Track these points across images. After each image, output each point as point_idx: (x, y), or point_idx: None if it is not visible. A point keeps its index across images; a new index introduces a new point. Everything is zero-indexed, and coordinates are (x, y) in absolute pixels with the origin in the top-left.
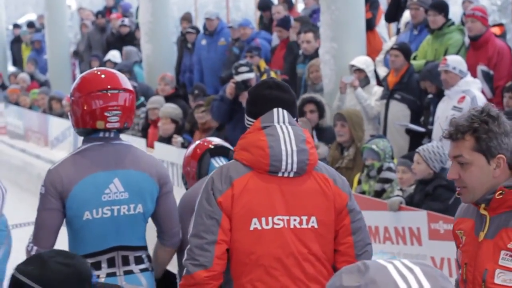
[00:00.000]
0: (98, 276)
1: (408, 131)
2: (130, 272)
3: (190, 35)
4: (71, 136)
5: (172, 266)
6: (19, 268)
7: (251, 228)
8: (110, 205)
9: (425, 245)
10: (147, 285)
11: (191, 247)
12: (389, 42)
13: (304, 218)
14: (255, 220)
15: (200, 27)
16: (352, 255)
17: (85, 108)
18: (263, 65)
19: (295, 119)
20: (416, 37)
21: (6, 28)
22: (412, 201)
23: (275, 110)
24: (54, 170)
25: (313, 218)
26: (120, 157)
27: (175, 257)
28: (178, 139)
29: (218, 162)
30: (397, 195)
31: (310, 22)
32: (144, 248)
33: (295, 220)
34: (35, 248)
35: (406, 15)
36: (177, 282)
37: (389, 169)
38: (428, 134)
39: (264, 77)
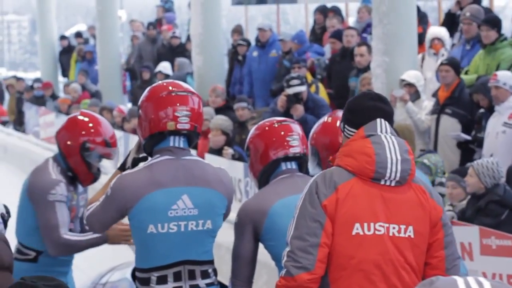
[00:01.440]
0: None
1: (460, 145)
2: (196, 286)
3: (241, 47)
4: (122, 147)
5: (223, 278)
6: None
7: (353, 233)
8: (177, 221)
9: (477, 261)
10: None
11: (293, 249)
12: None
13: (403, 227)
14: (357, 225)
15: (250, 40)
16: (442, 269)
17: (155, 111)
18: (309, 77)
19: (394, 130)
20: (468, 52)
21: (57, 38)
22: (464, 216)
23: (378, 120)
24: (125, 176)
25: (410, 228)
26: (190, 174)
27: (225, 269)
28: (229, 151)
29: (287, 166)
30: (448, 210)
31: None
32: (211, 262)
33: (394, 228)
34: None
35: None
36: None
37: (441, 184)
38: (478, 144)
39: (313, 88)
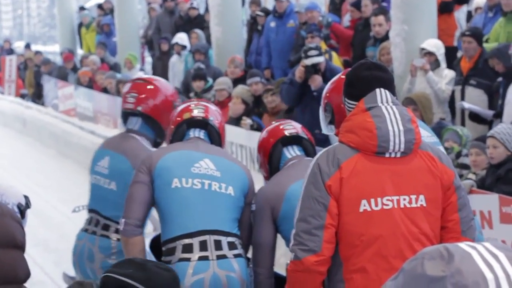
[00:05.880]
0: (189, 259)
1: (473, 118)
2: (223, 256)
3: (260, 17)
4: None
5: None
6: (117, 271)
7: (361, 210)
8: (201, 178)
9: (496, 229)
10: (239, 271)
11: (297, 232)
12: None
13: (413, 197)
14: (364, 201)
15: (270, 10)
16: (458, 231)
17: (172, 106)
18: (324, 46)
19: (395, 97)
20: (490, 19)
21: (76, 11)
22: (484, 185)
23: (377, 90)
24: (148, 151)
25: (421, 197)
26: (213, 149)
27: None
28: (247, 121)
29: (291, 153)
30: (468, 178)
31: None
32: (238, 236)
33: (404, 199)
34: (123, 220)
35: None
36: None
37: (467, 155)
38: (498, 116)
39: (326, 57)
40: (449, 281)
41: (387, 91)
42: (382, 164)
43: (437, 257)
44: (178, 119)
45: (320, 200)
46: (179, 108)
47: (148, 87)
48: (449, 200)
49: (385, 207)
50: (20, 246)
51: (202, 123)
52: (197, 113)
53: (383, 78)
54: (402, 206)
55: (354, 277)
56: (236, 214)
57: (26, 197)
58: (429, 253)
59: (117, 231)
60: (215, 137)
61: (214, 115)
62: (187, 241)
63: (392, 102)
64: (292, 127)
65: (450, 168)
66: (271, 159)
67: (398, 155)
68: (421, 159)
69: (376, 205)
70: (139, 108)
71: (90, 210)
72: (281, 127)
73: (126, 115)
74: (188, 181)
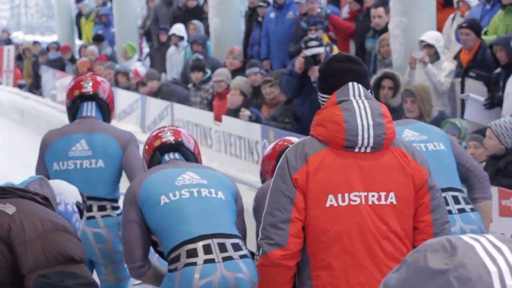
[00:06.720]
0: (195, 263)
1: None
2: (229, 258)
3: (261, 8)
4: (139, 109)
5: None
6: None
7: (327, 205)
8: (188, 188)
9: (496, 222)
10: (248, 272)
11: (264, 225)
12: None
13: (383, 194)
14: (331, 196)
15: (270, 1)
16: (430, 233)
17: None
18: (326, 39)
19: (369, 91)
20: (488, 11)
21: (74, 1)
22: None
23: (350, 84)
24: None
25: (391, 194)
26: (194, 164)
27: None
28: (246, 112)
29: None
30: None
31: None
32: (239, 237)
33: (373, 196)
34: (126, 266)
35: None
36: None
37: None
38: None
39: (327, 49)
40: (452, 274)
41: (360, 85)
42: (351, 158)
43: (439, 250)
44: (150, 148)
45: (286, 193)
46: (149, 138)
47: (97, 78)
48: (421, 200)
49: (352, 203)
50: (77, 260)
51: (175, 146)
52: (167, 137)
53: (354, 70)
54: (370, 202)
55: (321, 274)
56: (232, 216)
57: (82, 194)
58: (431, 245)
59: (113, 208)
60: (191, 158)
61: (185, 136)
62: (190, 246)
63: (364, 96)
64: (296, 140)
65: (423, 166)
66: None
67: (368, 150)
68: (392, 156)
69: (343, 201)
70: (97, 92)
71: None
72: (285, 140)
73: (82, 99)
74: (175, 194)
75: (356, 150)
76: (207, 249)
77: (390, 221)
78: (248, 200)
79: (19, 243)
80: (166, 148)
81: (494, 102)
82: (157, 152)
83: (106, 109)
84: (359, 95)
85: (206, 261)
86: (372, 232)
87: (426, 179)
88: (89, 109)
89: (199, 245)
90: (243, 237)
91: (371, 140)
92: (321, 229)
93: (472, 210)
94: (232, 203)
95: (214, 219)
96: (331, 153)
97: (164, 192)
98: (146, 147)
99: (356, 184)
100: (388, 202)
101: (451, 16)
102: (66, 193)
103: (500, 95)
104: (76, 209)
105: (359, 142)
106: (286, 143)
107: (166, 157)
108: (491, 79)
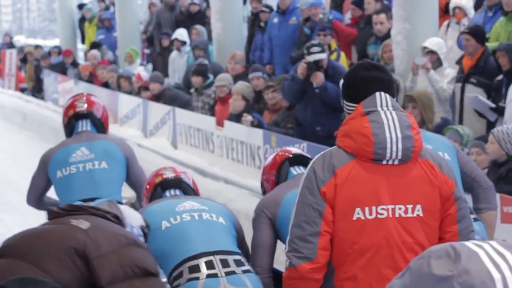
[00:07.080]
0: (198, 278)
1: (481, 115)
2: (232, 272)
3: (263, 14)
4: (141, 114)
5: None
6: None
7: (354, 218)
8: (189, 212)
9: (498, 229)
10: (252, 286)
11: (292, 238)
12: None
13: (410, 206)
14: (358, 209)
15: (273, 6)
16: None
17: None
18: (334, 44)
19: (394, 99)
20: (490, 18)
21: (76, 5)
22: None
23: (377, 94)
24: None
25: (418, 207)
26: (194, 196)
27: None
28: (248, 117)
29: (297, 171)
30: None
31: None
32: (242, 255)
33: (400, 209)
34: None
35: None
36: None
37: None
38: (499, 112)
39: (334, 56)
40: (456, 280)
41: (387, 95)
42: (379, 171)
43: (443, 256)
44: (150, 186)
45: (315, 206)
46: (150, 177)
47: (91, 98)
48: (448, 211)
49: (379, 216)
50: (154, 274)
51: (176, 182)
52: (167, 174)
53: (381, 78)
54: (397, 215)
55: (345, 285)
56: (233, 239)
57: (144, 220)
58: (435, 251)
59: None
60: (191, 194)
61: (184, 173)
62: (192, 262)
63: (392, 106)
64: (296, 150)
65: (450, 177)
66: (278, 177)
67: (396, 162)
68: (420, 168)
69: (370, 214)
70: (92, 110)
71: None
72: (286, 150)
73: (77, 118)
74: (176, 218)
75: (384, 162)
76: (210, 265)
77: (416, 233)
78: (249, 204)
79: (96, 256)
80: (167, 184)
81: (497, 110)
82: (159, 188)
83: (100, 127)
84: (387, 106)
85: (209, 276)
86: (398, 245)
87: (453, 190)
88: (84, 126)
89: (201, 261)
90: (247, 259)
91: (400, 153)
92: (347, 242)
93: (476, 220)
94: (232, 229)
95: (216, 238)
96: (358, 165)
97: (165, 217)
98: (146, 186)
99: (383, 197)
100: (415, 215)
101: (446, 23)
102: (132, 217)
103: (502, 105)
104: (141, 233)
105: (388, 155)
106: (286, 154)
107: (167, 193)
108: (492, 87)
